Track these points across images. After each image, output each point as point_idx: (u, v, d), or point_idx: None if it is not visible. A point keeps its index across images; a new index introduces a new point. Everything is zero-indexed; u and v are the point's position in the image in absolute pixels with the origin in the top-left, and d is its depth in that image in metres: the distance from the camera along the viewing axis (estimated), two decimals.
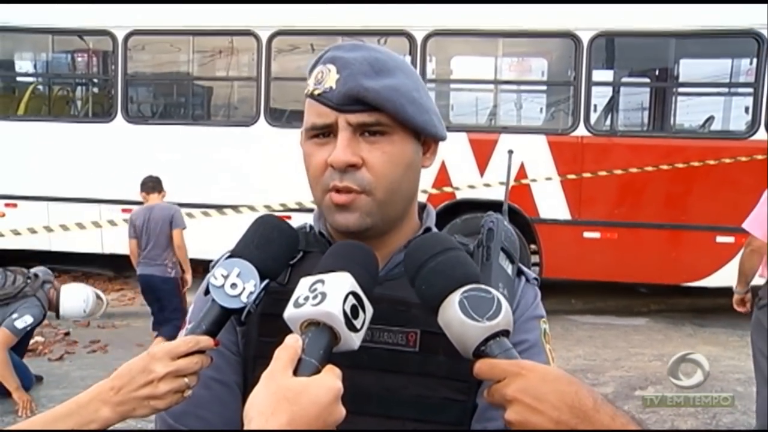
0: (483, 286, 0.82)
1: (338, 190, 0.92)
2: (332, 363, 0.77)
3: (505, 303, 0.81)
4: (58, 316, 4.87)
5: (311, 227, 1.06)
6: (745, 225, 3.67)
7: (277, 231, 0.95)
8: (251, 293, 0.88)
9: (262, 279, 0.90)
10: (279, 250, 0.94)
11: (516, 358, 0.79)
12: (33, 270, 4.86)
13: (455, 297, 0.81)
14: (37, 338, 5.86)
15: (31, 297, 4.65)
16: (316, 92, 0.93)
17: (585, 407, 0.74)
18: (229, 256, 0.93)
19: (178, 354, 0.85)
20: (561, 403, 0.73)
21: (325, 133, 0.94)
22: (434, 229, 1.05)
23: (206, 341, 0.87)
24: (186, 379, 0.86)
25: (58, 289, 4.86)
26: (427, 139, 1.00)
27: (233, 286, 0.88)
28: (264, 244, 0.92)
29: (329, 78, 0.92)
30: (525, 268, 1.03)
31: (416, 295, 0.86)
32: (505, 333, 0.80)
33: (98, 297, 4.98)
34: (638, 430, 0.76)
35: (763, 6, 6.10)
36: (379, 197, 0.93)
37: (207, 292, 0.91)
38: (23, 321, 4.52)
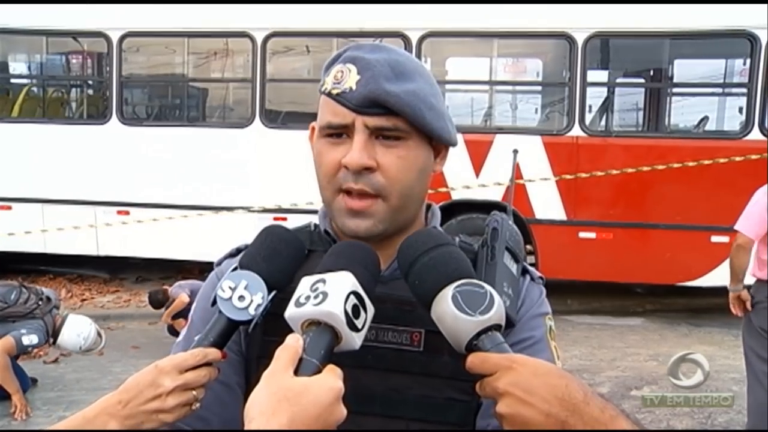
0: (475, 281, 0.83)
1: (351, 193, 0.92)
2: (336, 362, 0.77)
3: (497, 298, 0.81)
4: (54, 343, 4.85)
5: (316, 226, 1.05)
6: (736, 226, 3.71)
7: (284, 243, 0.95)
8: (259, 305, 0.89)
9: (269, 291, 0.90)
10: (286, 262, 0.94)
11: (508, 351, 0.79)
12: (46, 292, 4.88)
13: (448, 291, 0.81)
14: None
15: (39, 320, 4.68)
16: (335, 92, 0.92)
17: (575, 400, 0.74)
18: (235, 268, 0.93)
19: (186, 367, 0.85)
20: (551, 396, 0.74)
21: (339, 133, 0.93)
22: (439, 230, 1.04)
23: (214, 354, 0.88)
24: (194, 392, 0.86)
25: (63, 317, 4.86)
26: (438, 144, 0.99)
27: (241, 298, 0.88)
28: (271, 257, 0.93)
29: (349, 78, 0.91)
30: (530, 267, 1.03)
31: (409, 290, 0.86)
32: (497, 327, 0.81)
33: (98, 335, 4.95)
34: (633, 430, 0.77)
35: (757, 6, 6.13)
36: (393, 202, 0.93)
37: (214, 302, 0.90)
38: (29, 339, 4.57)
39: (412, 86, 0.92)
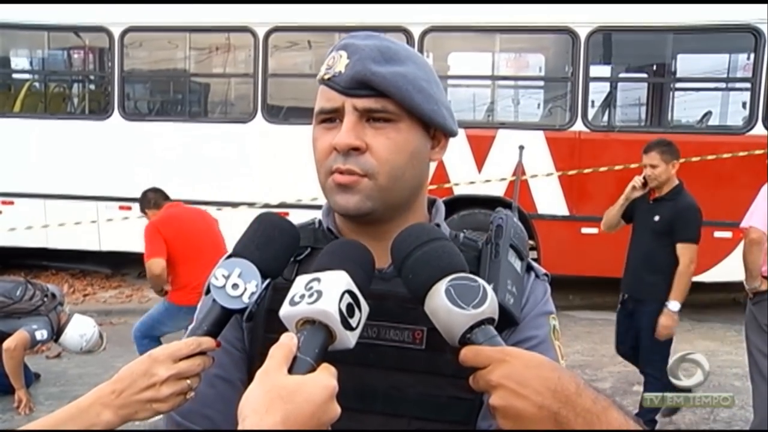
0: (469, 275, 0.83)
1: (341, 172, 0.92)
2: (337, 360, 0.77)
3: (490, 291, 0.81)
4: (56, 340, 4.88)
5: (320, 223, 1.05)
6: (745, 222, 3.65)
7: (278, 230, 0.94)
8: (253, 293, 0.88)
9: (263, 279, 0.89)
10: (280, 250, 0.93)
11: (501, 345, 0.80)
12: (51, 289, 4.91)
13: (441, 285, 0.81)
14: None
15: (44, 316, 4.70)
16: (326, 77, 0.94)
17: (567, 392, 0.75)
18: (229, 256, 0.92)
19: (180, 356, 0.85)
20: (544, 388, 0.74)
21: (332, 117, 0.94)
22: (443, 225, 1.04)
23: (208, 343, 0.87)
24: (188, 381, 0.86)
25: (69, 316, 4.90)
26: (437, 133, 0.99)
27: (235, 286, 0.87)
28: (265, 244, 0.91)
29: (339, 63, 0.93)
30: (535, 264, 1.03)
31: (403, 284, 0.86)
32: (490, 321, 0.81)
33: (100, 337, 4.99)
34: (625, 430, 0.77)
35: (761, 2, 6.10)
36: (381, 182, 0.92)
37: (207, 291, 0.90)
38: (41, 334, 4.62)
39: (400, 69, 0.92)
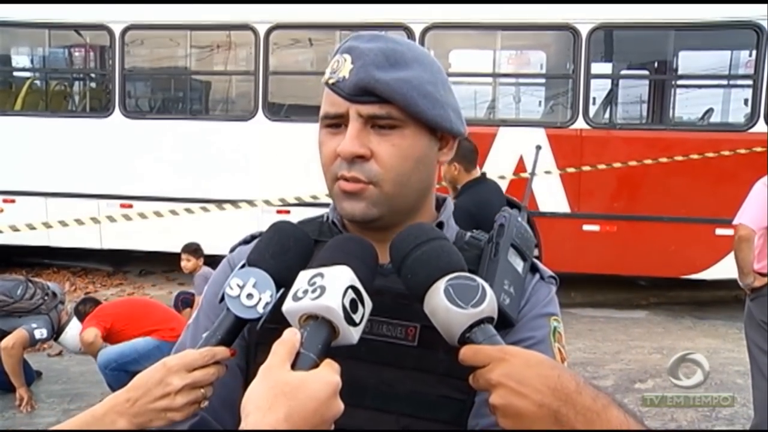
0: (468, 274, 0.83)
1: (346, 179, 0.92)
2: (327, 354, 0.77)
3: (489, 290, 0.81)
4: (56, 339, 4.88)
5: (327, 217, 1.06)
6: (736, 219, 3.69)
7: (292, 239, 0.94)
8: (267, 303, 0.88)
9: (277, 288, 0.90)
10: (294, 259, 0.93)
11: (500, 344, 0.80)
12: (51, 287, 4.90)
13: (440, 285, 0.81)
14: None
15: (45, 315, 4.69)
16: (331, 81, 0.93)
17: (567, 390, 0.75)
18: (243, 265, 0.92)
19: (194, 366, 0.85)
20: (544, 387, 0.74)
21: (337, 123, 0.94)
22: (448, 223, 1.04)
23: (222, 353, 0.87)
24: (202, 390, 0.86)
25: (70, 314, 4.90)
26: (444, 135, 0.99)
27: (249, 296, 0.88)
28: (279, 253, 0.92)
29: (344, 68, 0.92)
30: (542, 266, 1.02)
31: (402, 284, 0.86)
32: (489, 320, 0.81)
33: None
34: (626, 430, 0.77)
35: None
36: (386, 189, 0.93)
37: (221, 299, 0.90)
38: (40, 333, 4.61)
39: (405, 74, 0.91)
